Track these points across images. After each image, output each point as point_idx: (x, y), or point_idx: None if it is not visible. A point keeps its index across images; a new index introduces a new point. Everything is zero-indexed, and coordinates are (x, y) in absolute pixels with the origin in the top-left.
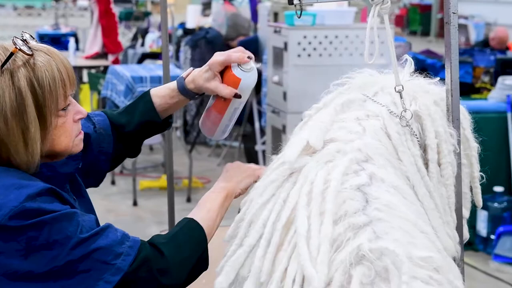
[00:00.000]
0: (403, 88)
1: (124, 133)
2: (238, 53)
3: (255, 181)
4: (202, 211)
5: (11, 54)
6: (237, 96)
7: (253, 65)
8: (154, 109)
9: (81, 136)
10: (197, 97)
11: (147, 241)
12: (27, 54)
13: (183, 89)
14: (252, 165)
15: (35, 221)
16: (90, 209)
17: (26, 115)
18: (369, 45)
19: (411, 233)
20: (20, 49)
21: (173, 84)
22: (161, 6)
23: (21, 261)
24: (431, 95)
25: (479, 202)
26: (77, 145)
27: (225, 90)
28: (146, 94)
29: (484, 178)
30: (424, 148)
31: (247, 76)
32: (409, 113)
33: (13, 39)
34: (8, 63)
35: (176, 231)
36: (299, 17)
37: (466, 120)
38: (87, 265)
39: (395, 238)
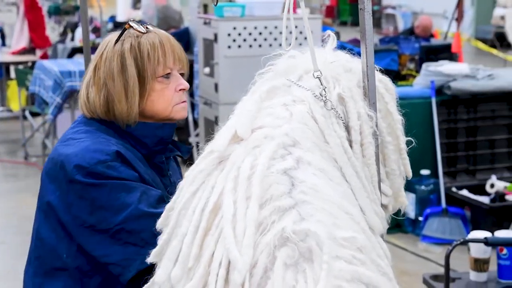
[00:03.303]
0: (321, 74)
1: None
2: None
3: None
4: None
5: (124, 29)
6: None
7: None
8: None
9: (184, 105)
10: None
11: None
12: (138, 31)
13: None
14: None
15: (99, 182)
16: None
17: (127, 73)
18: (286, 33)
19: (336, 214)
20: (131, 26)
21: None
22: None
23: (87, 215)
24: (354, 74)
25: (409, 172)
26: (178, 112)
27: None
28: None
29: (411, 161)
30: (348, 130)
31: None
32: (333, 95)
33: (128, 22)
34: (122, 35)
35: None
36: (215, 5)
37: (389, 94)
38: (134, 239)
39: (319, 220)
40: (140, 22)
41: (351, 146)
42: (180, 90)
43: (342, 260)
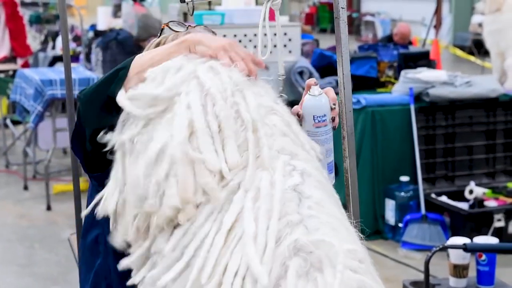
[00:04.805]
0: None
1: None
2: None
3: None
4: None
5: (162, 29)
6: (298, 115)
7: (317, 92)
8: None
9: None
10: None
11: None
12: (174, 30)
13: None
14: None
15: None
16: None
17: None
18: (262, 40)
19: (338, 228)
20: (168, 26)
21: None
22: (60, 7)
23: None
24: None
25: None
26: None
27: (295, 108)
28: None
29: (391, 167)
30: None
31: (310, 99)
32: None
33: (168, 22)
34: (160, 35)
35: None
36: (191, 15)
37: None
38: None
39: (325, 233)
40: (178, 23)
41: None
42: None
43: (349, 269)
